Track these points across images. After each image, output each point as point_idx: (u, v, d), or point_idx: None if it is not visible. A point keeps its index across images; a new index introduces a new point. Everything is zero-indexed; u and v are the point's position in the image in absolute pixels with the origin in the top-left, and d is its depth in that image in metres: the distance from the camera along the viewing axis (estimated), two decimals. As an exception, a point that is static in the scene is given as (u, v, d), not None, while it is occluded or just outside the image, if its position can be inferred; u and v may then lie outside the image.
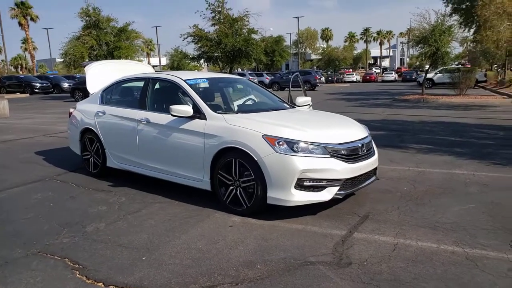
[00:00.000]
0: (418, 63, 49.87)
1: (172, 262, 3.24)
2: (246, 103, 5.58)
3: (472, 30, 21.47)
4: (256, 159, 3.97)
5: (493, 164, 6.23)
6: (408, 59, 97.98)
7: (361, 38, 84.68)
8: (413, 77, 49.23)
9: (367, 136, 4.55)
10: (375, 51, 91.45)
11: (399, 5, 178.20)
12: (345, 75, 50.39)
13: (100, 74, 6.55)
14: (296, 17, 49.75)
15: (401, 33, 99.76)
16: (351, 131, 4.47)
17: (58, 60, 49.41)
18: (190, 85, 4.94)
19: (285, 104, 5.54)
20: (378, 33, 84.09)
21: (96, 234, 3.85)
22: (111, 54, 26.68)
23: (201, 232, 3.83)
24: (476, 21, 19.63)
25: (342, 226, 3.89)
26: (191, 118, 4.58)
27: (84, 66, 6.63)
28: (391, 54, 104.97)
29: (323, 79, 40.16)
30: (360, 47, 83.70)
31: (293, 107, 5.49)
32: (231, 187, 4.26)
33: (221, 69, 26.01)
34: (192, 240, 3.66)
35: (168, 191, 5.10)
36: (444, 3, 22.47)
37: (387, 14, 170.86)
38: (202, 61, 27.41)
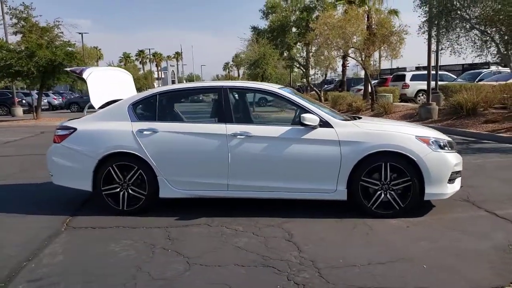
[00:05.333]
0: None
1: (473, 271, 3.15)
2: None
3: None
4: (415, 160, 4.22)
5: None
6: (183, 80, 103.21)
7: (136, 59, 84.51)
8: (200, 98, 53.35)
9: None
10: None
11: (162, 29, 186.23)
12: None
13: (101, 85, 5.09)
14: (80, 33, 45.58)
15: (168, 57, 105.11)
16: None
17: None
18: (290, 93, 4.66)
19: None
20: (154, 55, 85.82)
21: (331, 275, 3.24)
22: None
23: (404, 244, 3.79)
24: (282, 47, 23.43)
25: (483, 209, 4.54)
26: (313, 127, 4.38)
27: (80, 73, 4.95)
28: (162, 76, 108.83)
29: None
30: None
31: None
32: (379, 192, 4.33)
33: (28, 86, 21.68)
34: (419, 249, 3.60)
35: (264, 210, 4.59)
36: (252, 31, 25.79)
37: (152, 38, 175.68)
38: None
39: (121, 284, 3.04)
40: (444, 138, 4.54)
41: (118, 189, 4.65)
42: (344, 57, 23.13)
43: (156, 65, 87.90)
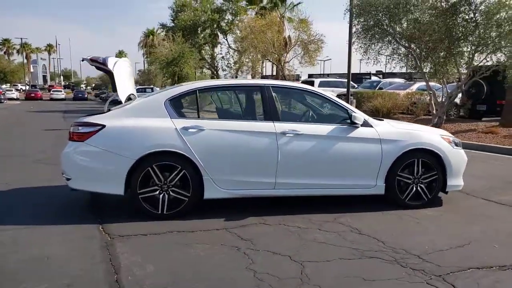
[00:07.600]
0: (94, 84, 50.44)
1: None
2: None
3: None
4: (441, 156, 4.78)
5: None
6: (57, 76, 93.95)
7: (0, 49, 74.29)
8: (85, 96, 50.67)
9: None
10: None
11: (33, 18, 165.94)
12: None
13: (123, 76, 4.60)
14: None
15: (37, 48, 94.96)
16: None
17: None
18: (331, 95, 4.85)
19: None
20: (24, 46, 76.21)
21: (434, 260, 3.56)
22: None
23: (457, 229, 4.29)
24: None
25: (480, 198, 5.31)
26: (356, 126, 4.65)
27: (104, 62, 4.36)
28: (32, 70, 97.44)
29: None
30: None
31: None
32: (411, 185, 4.79)
33: None
34: (474, 233, 4.11)
35: (302, 207, 4.71)
36: (161, 29, 25.04)
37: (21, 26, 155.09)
38: None
39: (254, 286, 2.89)
40: (455, 137, 5.23)
41: (157, 192, 4.28)
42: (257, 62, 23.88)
43: (26, 56, 78.37)
